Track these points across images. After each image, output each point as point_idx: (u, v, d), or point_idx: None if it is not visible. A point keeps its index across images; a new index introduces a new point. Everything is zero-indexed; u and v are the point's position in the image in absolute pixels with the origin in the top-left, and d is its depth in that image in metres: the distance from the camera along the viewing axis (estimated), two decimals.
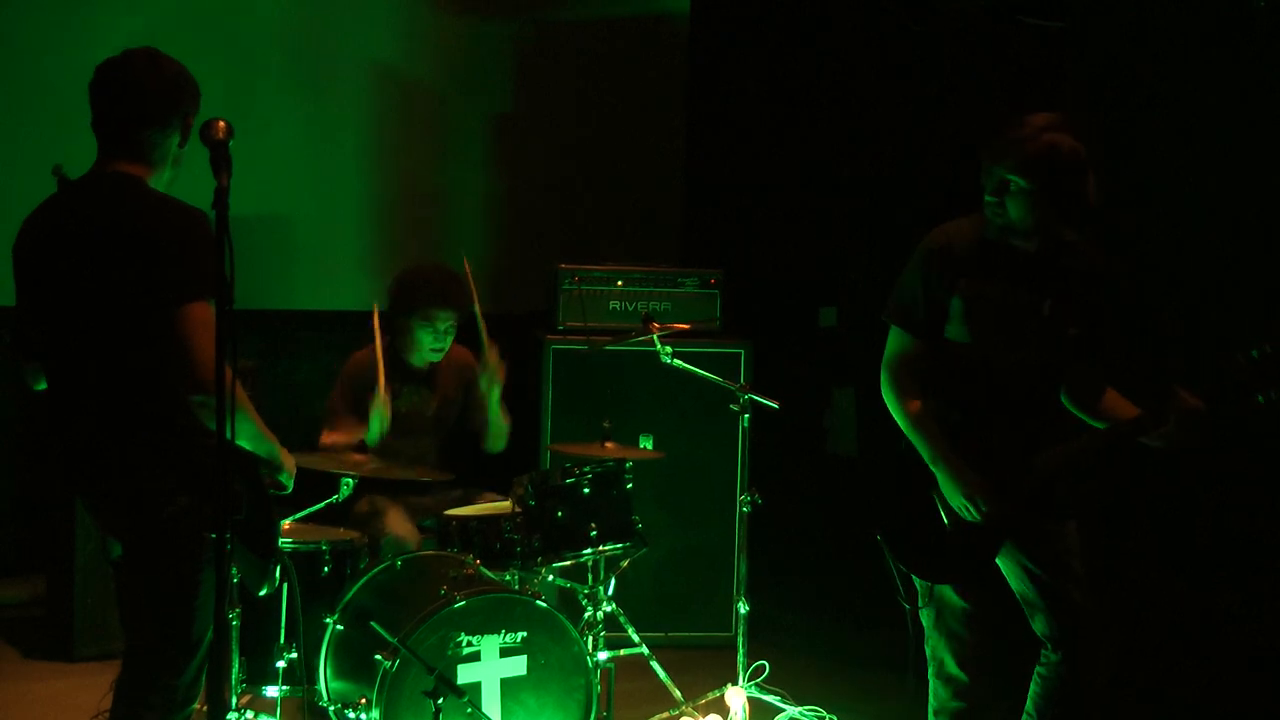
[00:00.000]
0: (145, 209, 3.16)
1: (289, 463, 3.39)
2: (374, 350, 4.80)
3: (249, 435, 3.23)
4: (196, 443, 3.14)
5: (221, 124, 2.84)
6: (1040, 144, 3.39)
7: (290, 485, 3.42)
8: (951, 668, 3.72)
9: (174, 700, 3.22)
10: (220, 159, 2.79)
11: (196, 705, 3.29)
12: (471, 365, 5.14)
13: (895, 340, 3.68)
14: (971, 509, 3.52)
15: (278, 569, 3.37)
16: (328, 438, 4.87)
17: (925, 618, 3.75)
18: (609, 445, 4.63)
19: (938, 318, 3.60)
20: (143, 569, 3.22)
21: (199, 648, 3.22)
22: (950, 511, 3.58)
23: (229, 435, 2.70)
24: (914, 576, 3.72)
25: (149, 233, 3.11)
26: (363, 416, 4.85)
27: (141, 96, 3.23)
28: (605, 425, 4.68)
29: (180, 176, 3.34)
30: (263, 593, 3.38)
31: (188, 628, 3.19)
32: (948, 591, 3.69)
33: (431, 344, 4.98)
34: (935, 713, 3.78)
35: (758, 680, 4.73)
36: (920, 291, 3.61)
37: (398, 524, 4.77)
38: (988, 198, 3.47)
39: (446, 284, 4.96)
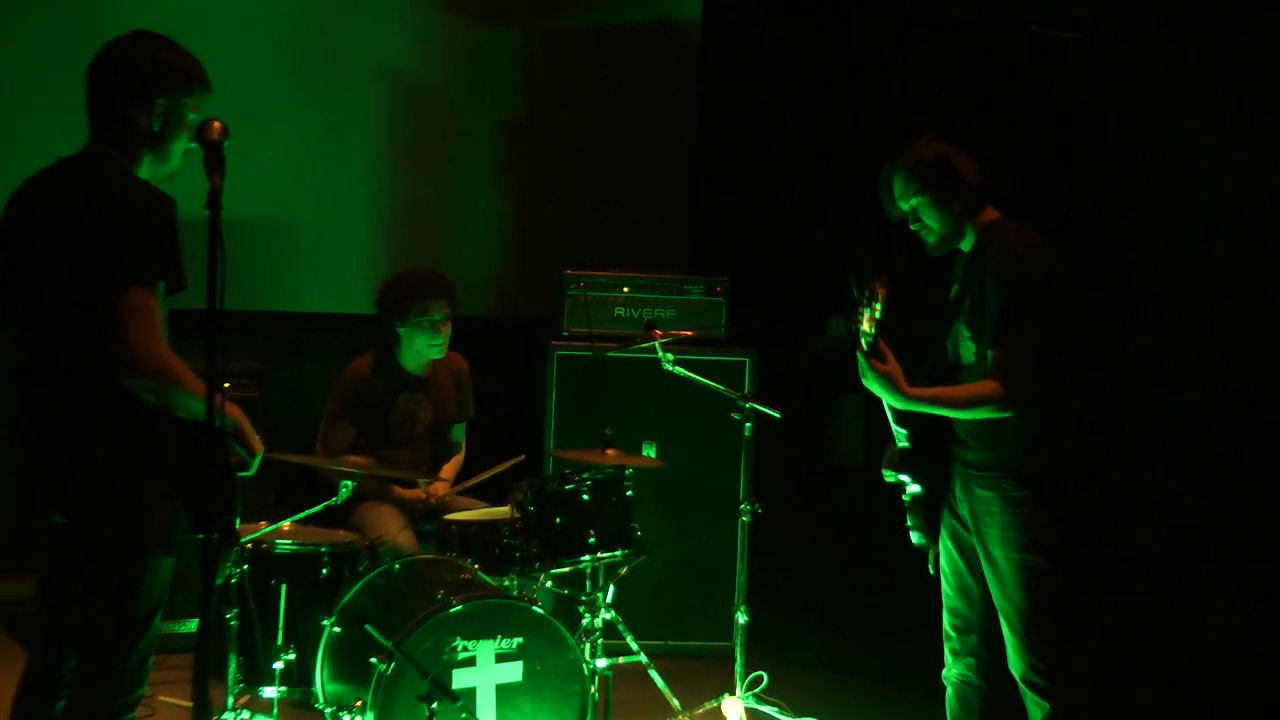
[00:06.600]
0: (105, 191, 3.00)
1: (254, 440, 3.12)
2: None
3: (199, 413, 3.00)
4: (159, 430, 3.01)
5: (217, 124, 2.80)
6: (908, 163, 3.70)
7: (255, 466, 3.15)
8: (946, 645, 3.84)
9: (121, 682, 3.10)
10: (214, 159, 2.76)
11: (145, 691, 3.17)
12: (464, 370, 5.23)
13: None
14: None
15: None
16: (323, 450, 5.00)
17: None
18: (610, 452, 4.61)
19: None
20: (92, 542, 3.09)
21: (145, 628, 3.08)
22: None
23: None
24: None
25: (101, 215, 2.96)
26: (360, 425, 4.97)
27: (120, 74, 3.11)
28: (607, 432, 4.66)
29: (179, 177, 3.27)
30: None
31: (133, 604, 3.06)
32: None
33: (430, 341, 5.01)
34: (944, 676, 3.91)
35: (756, 690, 4.72)
36: None
37: (396, 532, 4.77)
38: (913, 227, 3.72)
39: (433, 277, 5.09)
